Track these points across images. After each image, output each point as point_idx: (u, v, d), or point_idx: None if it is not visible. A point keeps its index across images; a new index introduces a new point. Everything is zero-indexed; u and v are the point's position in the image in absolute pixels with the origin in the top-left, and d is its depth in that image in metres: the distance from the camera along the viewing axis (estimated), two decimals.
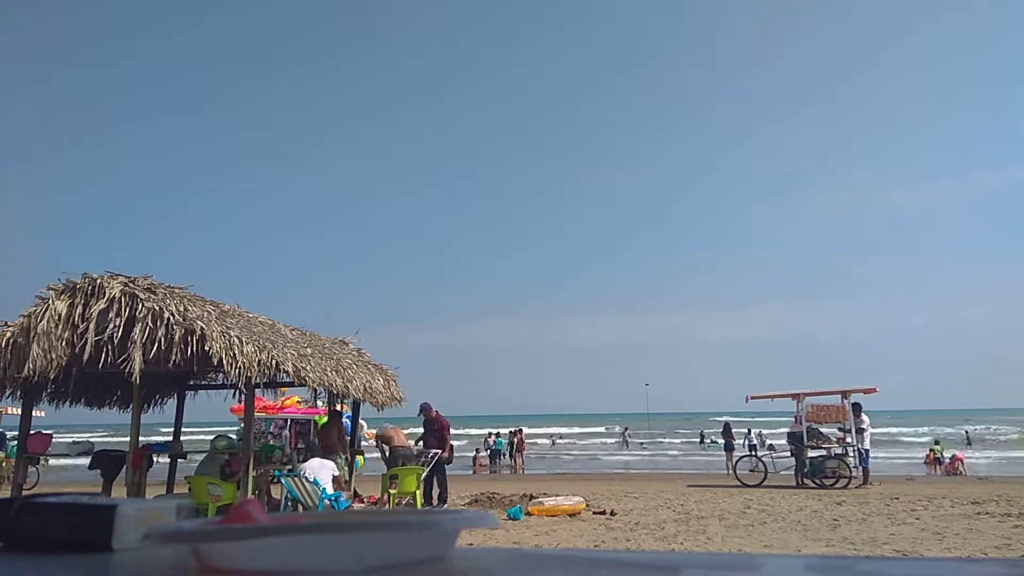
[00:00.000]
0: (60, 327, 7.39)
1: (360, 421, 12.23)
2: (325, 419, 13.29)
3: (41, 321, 7.37)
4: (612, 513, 9.12)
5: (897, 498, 10.52)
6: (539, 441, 38.37)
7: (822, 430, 14.35)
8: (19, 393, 8.63)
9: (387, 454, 10.42)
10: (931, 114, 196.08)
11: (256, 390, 8.84)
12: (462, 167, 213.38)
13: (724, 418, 25.49)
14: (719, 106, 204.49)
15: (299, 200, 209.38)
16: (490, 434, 26.40)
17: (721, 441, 22.12)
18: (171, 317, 7.29)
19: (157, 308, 7.34)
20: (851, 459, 13.58)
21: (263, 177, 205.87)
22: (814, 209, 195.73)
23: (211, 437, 9.68)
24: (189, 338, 7.25)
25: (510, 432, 25.02)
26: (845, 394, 14.58)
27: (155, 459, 10.32)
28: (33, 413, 9.09)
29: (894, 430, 37.60)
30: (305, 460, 9.56)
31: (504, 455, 24.57)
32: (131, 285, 7.53)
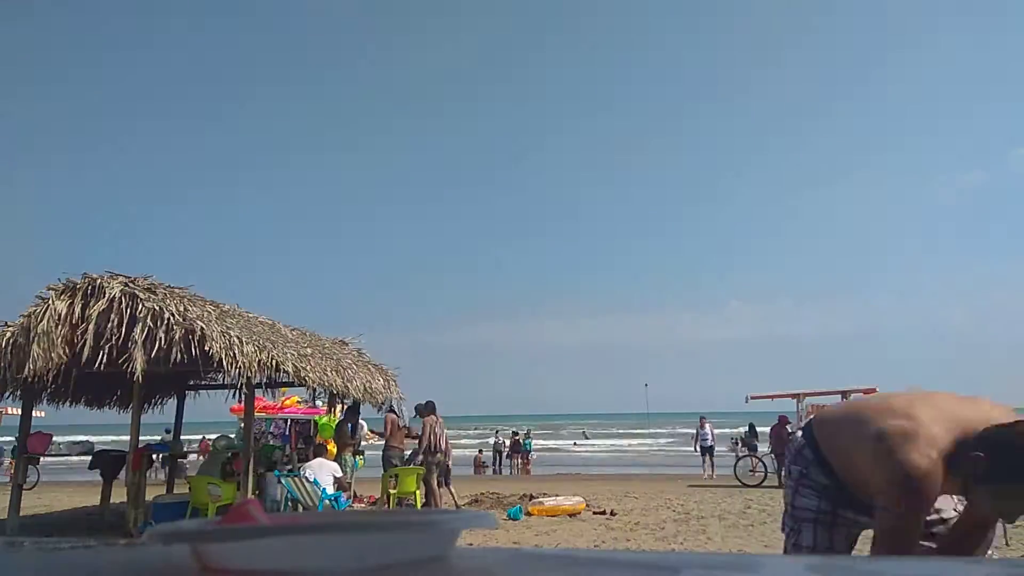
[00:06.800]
0: (60, 327, 7.39)
1: (360, 421, 12.22)
2: (325, 419, 13.29)
3: (41, 321, 7.37)
4: (612, 513, 9.12)
5: None
6: (544, 442, 38.40)
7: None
8: (19, 393, 8.62)
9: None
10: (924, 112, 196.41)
11: (256, 390, 8.84)
12: (467, 165, 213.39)
13: (709, 418, 24.41)
14: (721, 114, 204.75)
15: (300, 202, 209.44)
16: (497, 432, 26.22)
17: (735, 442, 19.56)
18: (171, 317, 7.29)
19: (157, 308, 7.33)
20: None
21: (264, 178, 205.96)
22: (812, 209, 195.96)
23: (197, 438, 9.67)
24: (189, 338, 7.24)
25: (512, 432, 24.96)
26: (845, 394, 14.57)
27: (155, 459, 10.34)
28: (33, 413, 9.09)
29: None
30: (306, 460, 9.57)
31: (504, 455, 24.39)
32: (131, 285, 7.53)
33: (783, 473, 2.31)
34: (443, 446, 9.60)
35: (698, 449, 17.79)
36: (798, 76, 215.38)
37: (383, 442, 10.96)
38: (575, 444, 38.55)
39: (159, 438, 14.88)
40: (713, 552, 5.03)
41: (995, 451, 1.73)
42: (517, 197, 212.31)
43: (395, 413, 10.74)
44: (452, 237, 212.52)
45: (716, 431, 18.02)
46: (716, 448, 17.58)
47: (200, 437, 19.60)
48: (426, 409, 9.71)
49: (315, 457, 9.20)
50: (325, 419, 13.26)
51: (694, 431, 18.33)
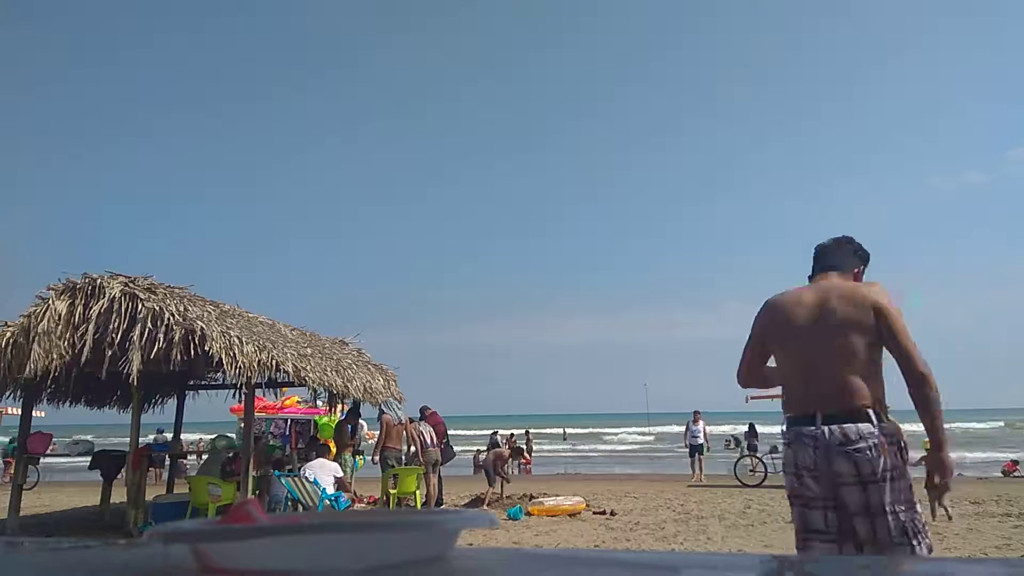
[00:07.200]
0: (60, 327, 7.38)
1: (360, 421, 12.22)
2: (325, 419, 13.28)
3: (41, 321, 7.37)
4: (612, 513, 9.12)
5: None
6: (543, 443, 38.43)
7: None
8: (19, 393, 8.62)
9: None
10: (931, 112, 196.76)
11: (256, 390, 8.83)
12: (464, 173, 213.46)
13: (709, 417, 23.35)
14: (725, 115, 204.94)
15: (301, 203, 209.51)
16: (495, 433, 26.12)
17: (745, 442, 18.87)
18: (171, 317, 7.28)
19: (157, 308, 7.33)
20: None
21: (264, 179, 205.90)
22: (812, 209, 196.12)
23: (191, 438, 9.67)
24: (189, 338, 7.24)
25: (510, 434, 24.99)
26: None
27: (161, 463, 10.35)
28: (33, 413, 9.08)
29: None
30: (306, 460, 9.56)
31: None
32: (131, 285, 7.53)
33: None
34: (429, 441, 10.04)
35: (687, 447, 16.06)
36: (798, 76, 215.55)
37: (378, 444, 11.00)
38: (574, 446, 38.54)
39: (151, 438, 14.84)
40: (713, 552, 5.02)
41: None
42: (518, 197, 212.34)
43: (389, 414, 10.75)
44: (452, 237, 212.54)
45: (716, 430, 17.33)
46: (709, 448, 16.26)
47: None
48: (419, 415, 10.55)
49: (317, 457, 9.20)
50: (325, 419, 13.27)
51: (684, 427, 16.70)
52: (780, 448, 3.36)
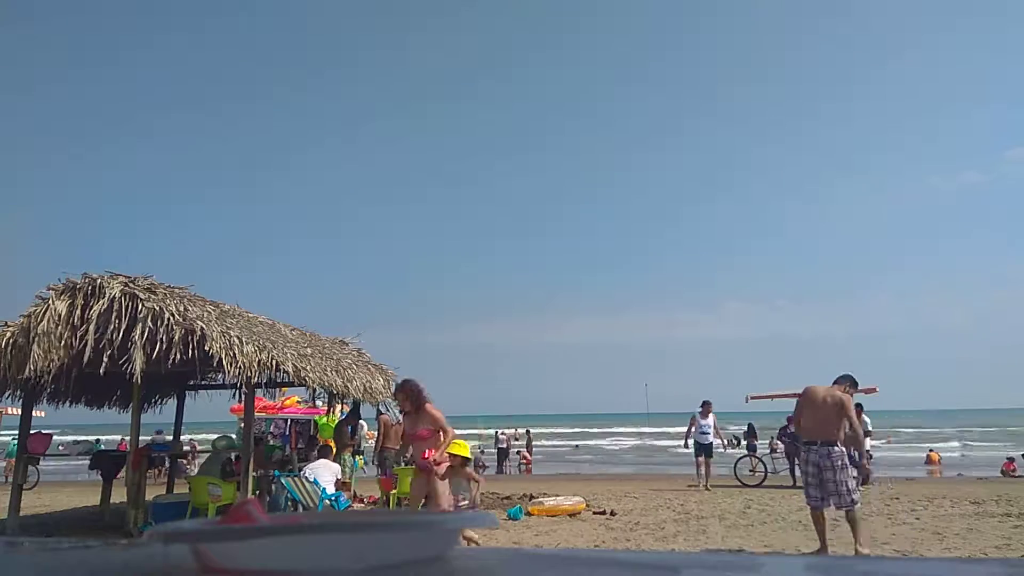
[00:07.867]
0: (60, 327, 7.38)
1: (360, 421, 12.21)
2: (325, 419, 13.28)
3: (41, 321, 7.37)
4: (612, 513, 9.12)
5: (897, 498, 10.50)
6: (546, 442, 38.41)
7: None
8: (19, 393, 8.62)
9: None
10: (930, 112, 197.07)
11: (256, 390, 8.83)
12: (463, 173, 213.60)
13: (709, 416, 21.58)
14: (724, 117, 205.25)
15: (301, 203, 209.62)
16: (497, 432, 26.07)
17: (745, 442, 17.61)
18: (171, 317, 7.28)
19: (157, 308, 7.33)
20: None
21: (264, 179, 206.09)
22: (811, 209, 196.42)
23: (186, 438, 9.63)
24: (189, 338, 7.24)
25: (501, 431, 24.97)
26: None
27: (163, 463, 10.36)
28: (33, 413, 9.08)
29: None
30: (306, 459, 9.56)
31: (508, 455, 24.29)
32: (131, 285, 7.53)
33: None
34: None
35: (691, 446, 12.83)
36: (798, 76, 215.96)
37: (377, 445, 11.00)
38: (576, 447, 38.54)
39: (149, 439, 14.81)
40: (713, 552, 5.01)
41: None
42: (518, 197, 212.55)
43: (387, 414, 10.76)
44: (452, 237, 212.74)
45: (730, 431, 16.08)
46: (715, 449, 13.23)
47: (119, 438, 19.00)
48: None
49: (320, 458, 9.20)
50: (325, 419, 13.27)
51: (688, 425, 13.12)
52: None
